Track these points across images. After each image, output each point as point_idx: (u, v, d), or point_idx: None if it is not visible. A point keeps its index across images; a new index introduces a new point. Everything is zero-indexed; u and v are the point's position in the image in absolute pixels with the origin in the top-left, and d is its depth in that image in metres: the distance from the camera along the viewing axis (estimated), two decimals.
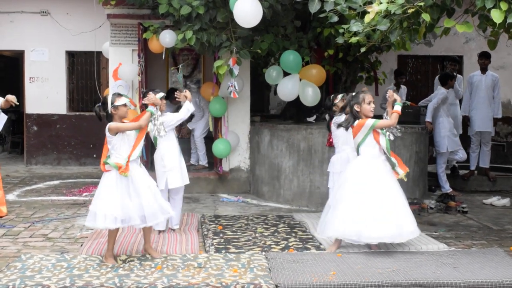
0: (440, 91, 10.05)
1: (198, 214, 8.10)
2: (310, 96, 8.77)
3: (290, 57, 8.70)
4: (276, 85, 9.12)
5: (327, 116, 7.40)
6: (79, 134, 13.20)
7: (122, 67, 9.35)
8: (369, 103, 6.20)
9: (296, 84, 8.84)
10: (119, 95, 5.93)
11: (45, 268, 5.55)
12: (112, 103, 5.83)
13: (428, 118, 9.71)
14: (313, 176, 8.84)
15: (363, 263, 5.80)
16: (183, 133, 10.66)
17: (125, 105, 5.86)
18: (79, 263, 5.70)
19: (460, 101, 11.02)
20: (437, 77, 10.90)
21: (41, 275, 5.34)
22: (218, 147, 9.27)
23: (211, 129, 9.91)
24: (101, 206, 5.66)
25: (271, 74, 8.96)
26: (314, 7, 6.78)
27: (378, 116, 6.42)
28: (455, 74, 10.98)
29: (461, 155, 10.23)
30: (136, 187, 5.77)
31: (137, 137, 5.88)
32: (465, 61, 13.15)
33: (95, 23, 11.83)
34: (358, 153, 6.31)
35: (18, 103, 7.95)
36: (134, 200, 5.74)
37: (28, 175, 11.87)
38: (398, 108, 6.18)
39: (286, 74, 8.99)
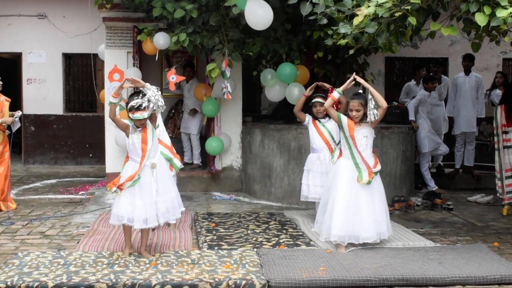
0: (419, 92, 10.20)
1: (191, 212, 8.17)
2: (296, 95, 8.83)
3: (287, 69, 8.76)
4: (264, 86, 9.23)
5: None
6: (75, 134, 13.27)
7: (127, 72, 9.34)
8: (351, 110, 6.40)
9: (283, 85, 8.94)
10: (137, 109, 5.76)
11: (42, 264, 5.59)
12: (129, 110, 5.79)
13: (412, 117, 9.84)
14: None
15: (352, 259, 5.89)
16: (177, 133, 10.74)
17: (139, 120, 5.81)
18: (75, 260, 5.74)
19: (446, 101, 11.11)
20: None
21: (38, 271, 5.38)
22: (211, 144, 9.35)
23: (204, 123, 9.94)
24: (114, 205, 5.98)
25: (266, 76, 9.04)
26: (305, 10, 6.86)
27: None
28: (440, 76, 11.14)
29: (444, 149, 10.34)
30: (142, 191, 5.87)
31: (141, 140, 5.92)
32: (450, 63, 13.25)
33: (91, 26, 11.91)
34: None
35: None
36: (138, 202, 5.84)
37: (26, 174, 11.95)
38: (334, 94, 6.50)
39: None
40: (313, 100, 7.45)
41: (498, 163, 8.42)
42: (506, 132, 8.30)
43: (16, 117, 8.31)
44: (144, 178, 5.89)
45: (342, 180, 6.35)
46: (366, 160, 6.33)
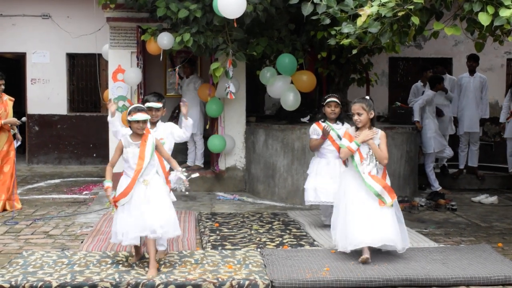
0: (426, 92, 10.20)
1: (195, 212, 8.21)
2: (291, 101, 8.88)
3: (286, 60, 8.82)
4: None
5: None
6: (79, 134, 13.31)
7: (127, 72, 9.41)
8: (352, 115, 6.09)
9: (286, 83, 8.94)
10: (136, 110, 5.47)
11: (46, 264, 5.61)
12: (128, 113, 5.49)
13: (417, 118, 9.84)
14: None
15: (356, 259, 5.85)
16: None
17: (137, 121, 5.44)
18: (79, 260, 5.76)
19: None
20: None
21: (43, 271, 5.40)
22: (213, 142, 9.38)
23: (207, 127, 9.87)
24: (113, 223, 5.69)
25: (265, 74, 9.07)
26: (307, 10, 6.85)
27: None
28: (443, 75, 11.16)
29: (448, 152, 10.37)
30: (132, 207, 5.48)
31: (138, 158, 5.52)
32: (455, 63, 13.21)
33: (95, 26, 11.99)
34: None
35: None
36: (128, 218, 5.48)
37: (30, 174, 11.98)
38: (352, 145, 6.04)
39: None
40: (328, 100, 7.07)
41: None
42: None
43: (21, 121, 8.37)
44: (135, 195, 5.49)
45: (351, 196, 5.98)
46: (372, 173, 5.98)
